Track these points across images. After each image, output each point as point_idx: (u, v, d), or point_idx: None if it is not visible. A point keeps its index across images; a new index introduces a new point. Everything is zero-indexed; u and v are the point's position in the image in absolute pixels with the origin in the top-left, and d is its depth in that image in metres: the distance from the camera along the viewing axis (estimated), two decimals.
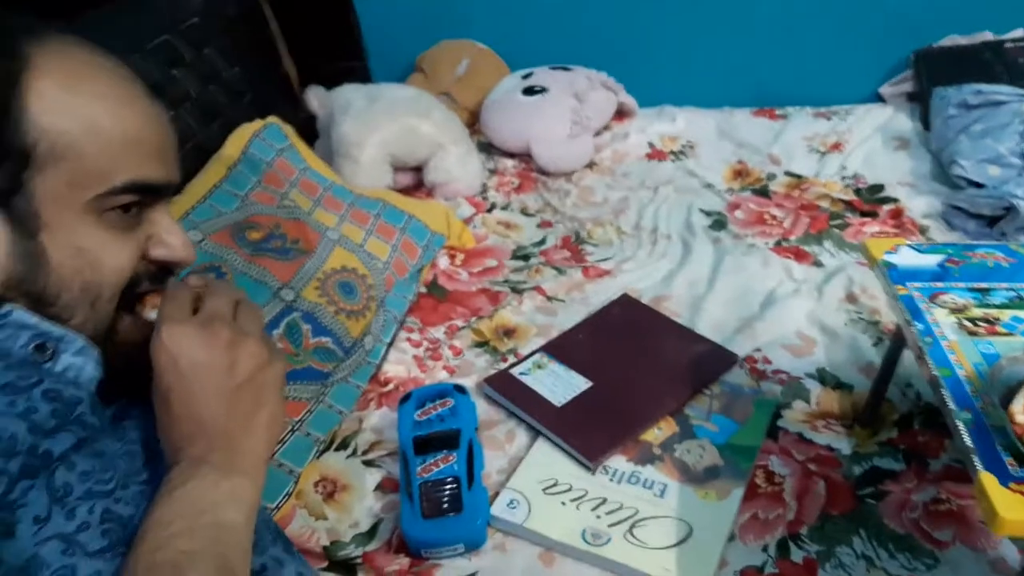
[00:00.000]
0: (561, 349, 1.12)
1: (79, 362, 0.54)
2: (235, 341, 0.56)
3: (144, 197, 0.56)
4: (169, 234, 0.59)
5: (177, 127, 1.29)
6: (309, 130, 1.61)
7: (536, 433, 0.99)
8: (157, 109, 0.58)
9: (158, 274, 0.60)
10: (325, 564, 0.85)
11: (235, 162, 1.28)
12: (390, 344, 1.16)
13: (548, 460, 0.95)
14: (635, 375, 1.06)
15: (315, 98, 1.60)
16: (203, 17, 1.45)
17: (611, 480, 0.92)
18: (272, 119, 1.39)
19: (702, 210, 1.48)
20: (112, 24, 1.27)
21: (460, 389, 1.01)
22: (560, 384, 1.05)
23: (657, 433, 0.98)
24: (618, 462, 0.94)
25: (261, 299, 1.08)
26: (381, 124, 1.50)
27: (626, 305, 1.22)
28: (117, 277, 0.56)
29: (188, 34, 1.40)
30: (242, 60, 1.50)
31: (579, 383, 1.05)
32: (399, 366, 1.13)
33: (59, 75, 0.52)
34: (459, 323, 1.22)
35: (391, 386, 1.10)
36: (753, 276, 1.28)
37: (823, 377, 1.06)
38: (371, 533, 0.89)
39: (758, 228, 1.41)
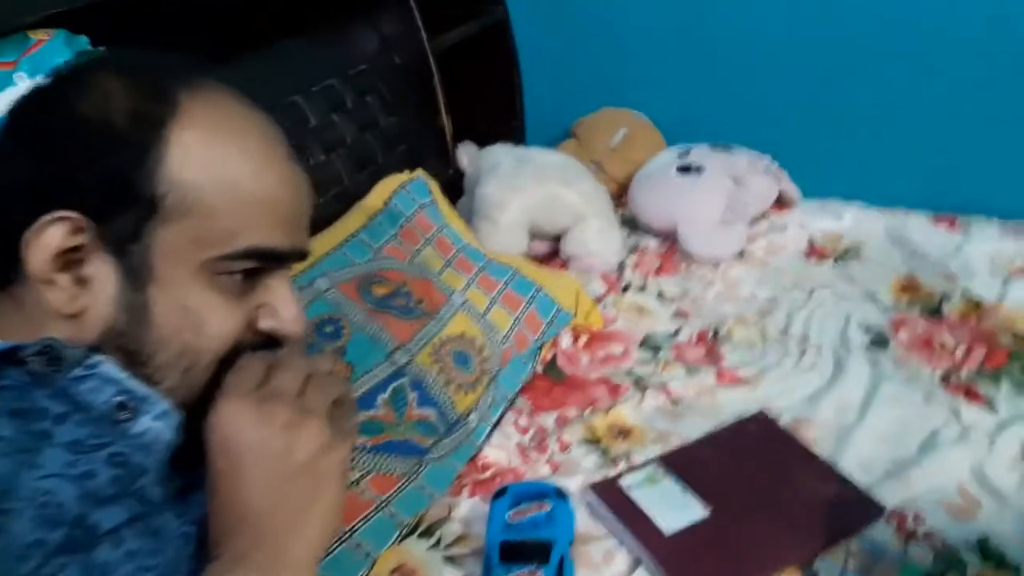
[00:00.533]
0: (680, 464, 1.01)
1: (158, 427, 0.51)
2: (295, 422, 0.50)
3: (265, 264, 0.53)
4: (283, 306, 0.55)
5: (328, 172, 1.33)
6: (456, 187, 1.60)
7: (637, 560, 0.89)
8: (298, 174, 0.56)
9: (262, 347, 0.56)
10: None
11: (376, 212, 1.28)
12: (495, 425, 1.09)
13: None
14: (761, 511, 0.94)
15: (465, 155, 1.59)
16: (371, 64, 1.48)
17: None
18: (419, 173, 1.39)
19: (861, 324, 1.32)
20: (285, 62, 1.31)
21: (560, 494, 0.92)
22: (673, 506, 0.94)
23: None
24: None
25: (374, 359, 1.04)
26: (526, 188, 1.46)
27: (762, 425, 1.09)
28: (219, 344, 0.52)
29: (354, 80, 1.43)
30: (401, 110, 1.51)
31: (695, 509, 0.94)
32: (501, 452, 1.05)
33: (205, 127, 0.50)
34: (571, 413, 1.13)
35: (488, 473, 1.02)
36: (913, 411, 1.11)
37: (985, 550, 0.89)
38: None
39: (924, 354, 1.24)
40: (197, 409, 0.53)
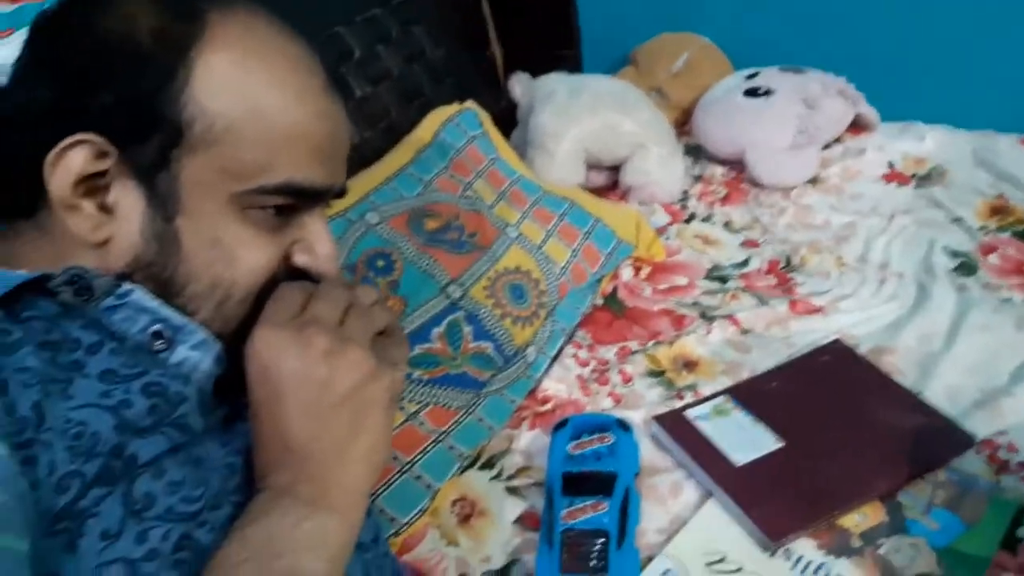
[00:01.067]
0: (750, 395, 0.96)
1: (196, 356, 0.49)
2: (335, 350, 0.47)
3: (299, 200, 0.50)
4: (318, 243, 0.52)
5: (374, 105, 1.29)
6: (509, 119, 1.54)
7: (707, 493, 0.84)
8: (334, 105, 0.52)
9: (296, 276, 0.53)
10: None
11: (425, 146, 1.24)
12: (554, 358, 1.05)
13: (718, 528, 0.80)
14: (838, 442, 0.88)
15: (518, 85, 1.52)
16: None
17: (792, 568, 0.75)
18: (469, 104, 1.34)
19: (947, 249, 1.23)
20: None
21: (623, 425, 0.88)
22: (744, 438, 0.89)
23: (859, 520, 0.80)
24: (804, 547, 0.77)
25: (427, 293, 1.01)
26: (581, 118, 1.40)
27: (838, 354, 1.02)
28: (251, 278, 0.50)
29: (399, 10, 1.38)
30: (449, 41, 1.46)
31: (767, 441, 0.89)
32: (560, 384, 1.02)
33: (235, 51, 0.47)
34: (634, 345, 1.08)
35: (549, 406, 0.99)
36: (1004, 339, 1.03)
37: None
38: (503, 573, 0.79)
39: (1016, 279, 1.15)
40: (238, 340, 0.51)
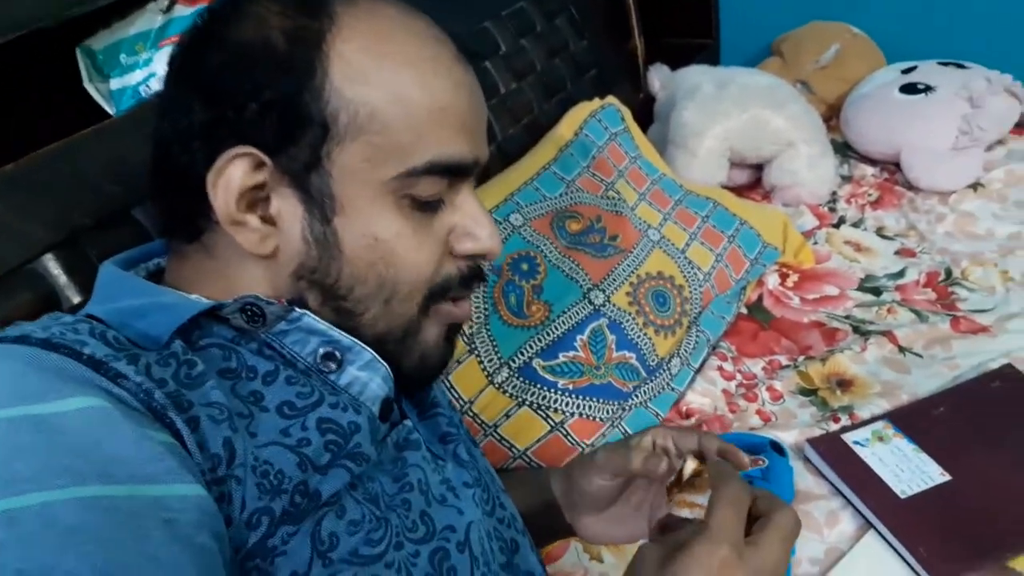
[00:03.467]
0: (912, 422, 0.90)
1: (364, 376, 0.49)
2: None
3: (449, 179, 0.49)
4: (476, 223, 0.51)
5: (518, 100, 1.28)
6: (645, 113, 1.50)
7: (867, 524, 0.80)
8: (469, 76, 0.51)
9: (465, 280, 0.52)
10: None
11: (567, 143, 1.22)
12: (698, 371, 1.03)
13: (878, 564, 0.77)
14: (1010, 478, 0.82)
15: (657, 78, 1.48)
16: None
17: None
18: (611, 100, 1.31)
19: None
20: None
21: (778, 448, 0.85)
22: (907, 468, 0.84)
23: None
24: None
25: (571, 298, 1.00)
26: (728, 113, 1.34)
27: (1008, 380, 0.95)
28: (415, 274, 0.49)
29: (544, 2, 1.36)
30: (592, 33, 1.43)
31: (932, 472, 0.84)
32: (705, 399, 0.99)
33: (365, 37, 0.47)
34: (783, 359, 1.04)
35: (693, 420, 0.97)
36: None
37: None
38: None
39: None
40: (402, 344, 0.51)
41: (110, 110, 0.85)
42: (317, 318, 0.47)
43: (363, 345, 0.49)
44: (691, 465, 0.55)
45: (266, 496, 0.41)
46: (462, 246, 0.51)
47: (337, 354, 0.48)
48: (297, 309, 0.47)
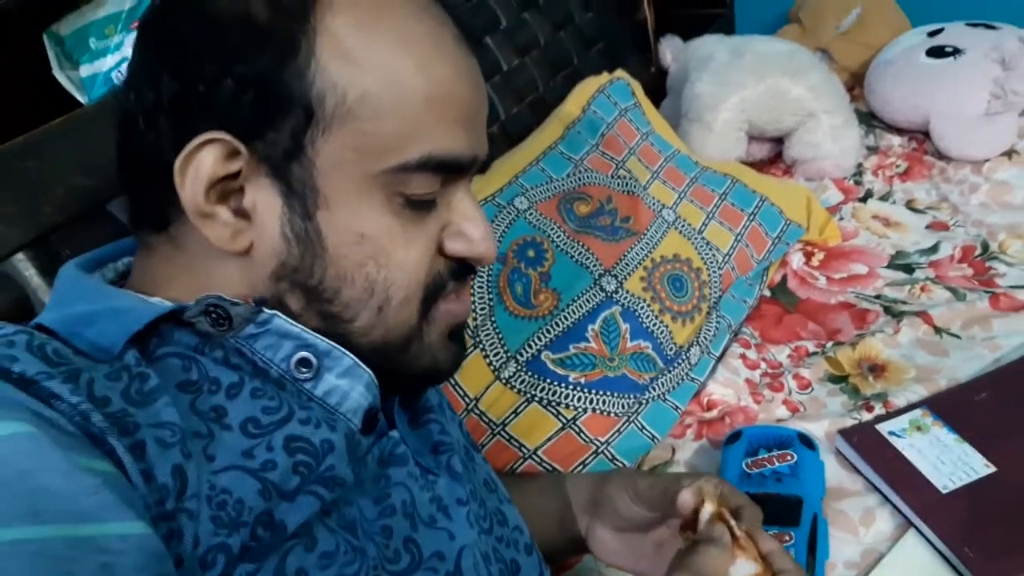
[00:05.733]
0: (952, 409, 0.84)
1: (344, 385, 0.44)
2: None
3: (444, 177, 0.44)
4: (470, 224, 0.46)
5: (522, 77, 1.22)
6: (657, 88, 1.43)
7: (906, 523, 0.74)
8: (471, 62, 0.46)
9: (458, 273, 0.47)
10: None
11: (574, 121, 1.16)
12: (719, 359, 0.96)
13: (920, 567, 0.71)
14: None
15: (669, 51, 1.41)
16: None
17: None
18: (620, 74, 1.24)
19: None
20: None
21: (807, 442, 0.79)
22: (948, 460, 0.78)
23: None
24: None
25: (581, 285, 0.94)
26: (744, 83, 1.27)
27: None
28: (407, 276, 0.44)
29: None
30: (599, 4, 1.37)
31: (975, 464, 0.77)
32: (727, 389, 0.93)
33: (359, 10, 0.41)
34: (810, 346, 0.98)
35: (715, 412, 0.91)
36: None
37: None
38: None
39: None
40: (401, 353, 0.46)
41: (82, 99, 0.80)
42: (289, 320, 0.42)
43: (343, 349, 0.43)
44: (709, 508, 0.52)
45: (223, 531, 0.36)
46: (453, 246, 0.46)
47: (313, 360, 0.43)
48: (266, 310, 0.42)
